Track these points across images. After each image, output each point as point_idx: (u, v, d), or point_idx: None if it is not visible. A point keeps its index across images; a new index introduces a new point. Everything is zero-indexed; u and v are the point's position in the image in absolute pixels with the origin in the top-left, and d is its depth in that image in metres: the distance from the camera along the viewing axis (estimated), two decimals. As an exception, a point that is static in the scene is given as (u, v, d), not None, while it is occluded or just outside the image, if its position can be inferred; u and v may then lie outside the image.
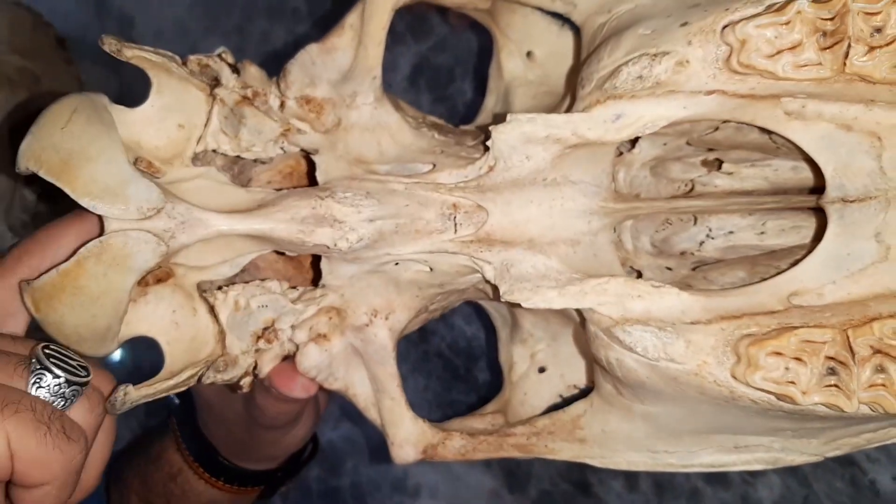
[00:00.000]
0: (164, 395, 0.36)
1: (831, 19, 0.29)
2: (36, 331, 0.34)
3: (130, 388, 0.34)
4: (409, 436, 0.40)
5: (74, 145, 0.33)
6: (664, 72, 0.31)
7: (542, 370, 0.45)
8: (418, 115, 0.41)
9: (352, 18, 0.39)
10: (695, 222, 0.41)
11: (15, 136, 0.71)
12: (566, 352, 0.44)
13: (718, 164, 0.40)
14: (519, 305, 0.35)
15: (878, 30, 0.30)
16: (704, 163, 0.40)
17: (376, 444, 0.65)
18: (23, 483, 0.28)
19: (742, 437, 0.36)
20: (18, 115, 0.75)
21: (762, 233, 0.40)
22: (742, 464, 0.37)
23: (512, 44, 0.44)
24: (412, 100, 0.66)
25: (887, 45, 0.30)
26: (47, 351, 0.31)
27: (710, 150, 0.40)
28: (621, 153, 0.39)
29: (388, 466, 0.67)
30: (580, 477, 0.58)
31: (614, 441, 0.38)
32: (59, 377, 0.30)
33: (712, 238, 0.41)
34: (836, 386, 0.30)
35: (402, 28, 0.67)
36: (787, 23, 0.30)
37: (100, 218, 0.33)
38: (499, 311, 0.47)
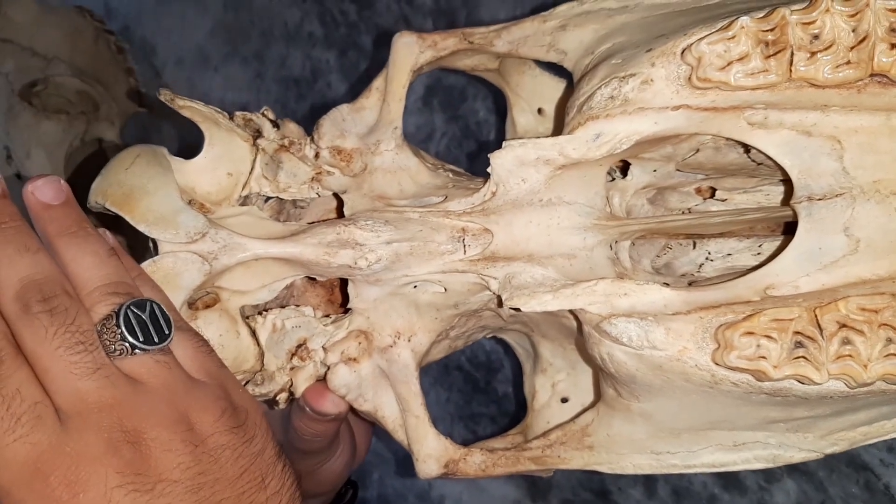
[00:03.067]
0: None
1: (771, 30, 0.33)
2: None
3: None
4: (432, 451, 0.42)
5: (136, 182, 0.39)
6: (631, 90, 0.36)
7: (564, 400, 0.47)
8: (437, 163, 0.46)
9: (378, 82, 0.45)
10: (694, 246, 0.44)
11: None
12: (586, 381, 0.47)
13: (712, 191, 0.43)
14: (518, 310, 0.38)
15: (816, 36, 0.33)
16: (699, 191, 0.43)
17: (401, 457, 0.65)
18: None
19: (739, 434, 0.38)
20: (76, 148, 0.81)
21: (758, 254, 0.43)
22: (742, 462, 0.38)
23: (523, 101, 0.49)
24: (426, 120, 0.70)
25: (826, 49, 0.33)
26: None
27: (705, 179, 0.43)
28: (613, 179, 0.43)
29: (413, 478, 0.68)
30: (600, 486, 0.58)
31: (619, 445, 0.40)
32: None
33: (711, 261, 0.43)
34: (804, 358, 0.32)
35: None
36: (734, 37, 0.34)
37: (154, 242, 0.39)
38: (522, 346, 0.49)
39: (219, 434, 0.32)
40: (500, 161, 0.39)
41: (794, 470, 0.50)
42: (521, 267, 0.39)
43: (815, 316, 0.33)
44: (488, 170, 0.39)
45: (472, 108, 0.69)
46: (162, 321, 0.33)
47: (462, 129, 0.69)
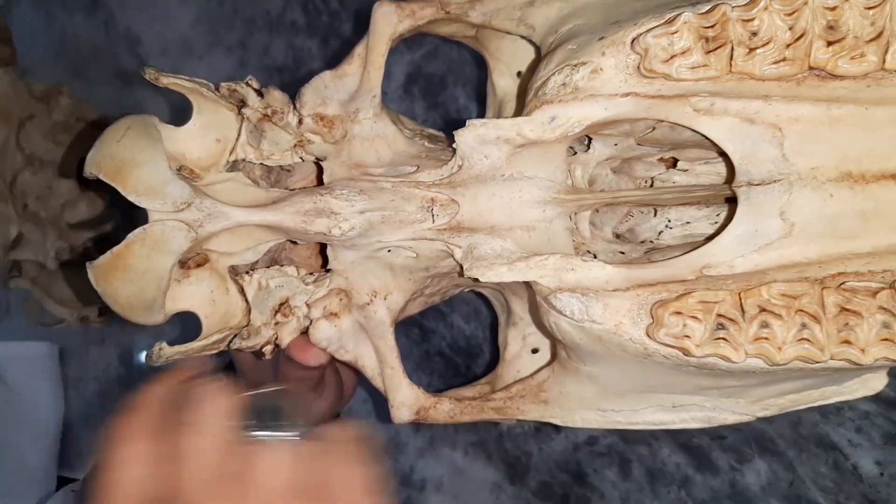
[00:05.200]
0: (195, 354, 0.44)
1: (712, 27, 0.35)
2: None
3: (165, 345, 0.42)
4: (405, 399, 0.46)
5: (126, 154, 0.42)
6: (581, 79, 0.37)
7: (534, 351, 0.51)
8: (416, 128, 0.49)
9: (359, 49, 0.47)
10: (655, 214, 0.46)
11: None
12: (555, 334, 0.50)
13: (674, 162, 0.45)
14: (478, 281, 0.41)
15: (755, 33, 0.35)
16: (662, 160, 0.45)
17: (384, 441, 0.68)
18: None
19: (677, 397, 0.41)
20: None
21: (716, 223, 0.45)
22: (680, 422, 0.41)
23: (502, 65, 0.50)
24: (407, 107, 0.72)
25: (764, 45, 0.35)
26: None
27: (667, 150, 0.45)
28: (576, 153, 0.45)
29: (394, 462, 0.70)
30: (576, 468, 0.61)
31: (570, 401, 0.43)
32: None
33: (671, 228, 0.46)
34: (724, 339, 0.35)
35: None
36: (676, 32, 0.35)
37: (144, 211, 0.42)
38: (497, 300, 0.53)
39: None
40: (463, 139, 0.41)
41: (765, 450, 0.52)
42: (483, 239, 0.42)
43: (740, 299, 0.35)
44: (453, 146, 0.42)
45: (452, 95, 0.70)
46: None
47: (443, 116, 0.70)
